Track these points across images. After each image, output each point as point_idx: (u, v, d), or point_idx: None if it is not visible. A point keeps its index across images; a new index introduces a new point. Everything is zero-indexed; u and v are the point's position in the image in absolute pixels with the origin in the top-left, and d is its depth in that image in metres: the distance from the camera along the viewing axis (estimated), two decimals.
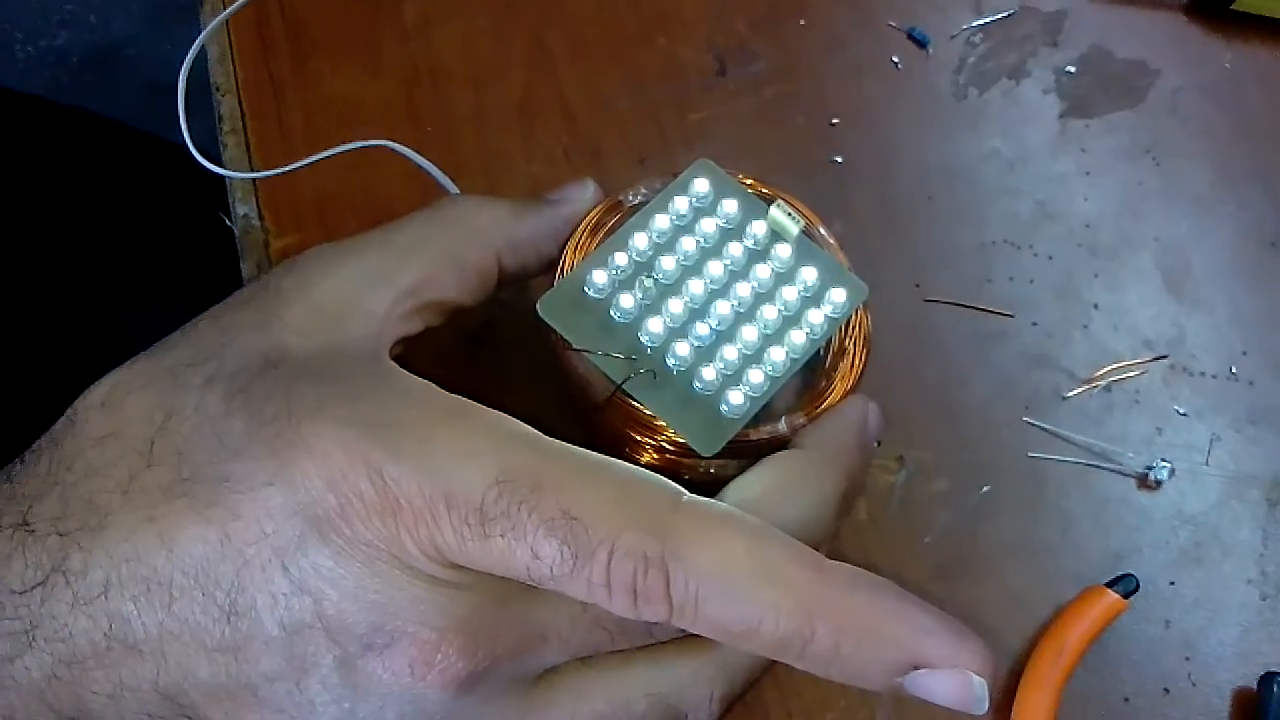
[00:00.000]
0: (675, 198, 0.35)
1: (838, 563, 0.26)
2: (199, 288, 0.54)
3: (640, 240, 0.34)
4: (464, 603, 0.26)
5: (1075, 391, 0.40)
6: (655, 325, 0.33)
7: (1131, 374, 0.40)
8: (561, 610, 0.27)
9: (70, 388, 0.29)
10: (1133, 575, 0.36)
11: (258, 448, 0.26)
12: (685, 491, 0.26)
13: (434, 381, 0.37)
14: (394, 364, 0.29)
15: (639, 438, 0.33)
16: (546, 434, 0.36)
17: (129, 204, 0.62)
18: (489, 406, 0.37)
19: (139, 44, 1.36)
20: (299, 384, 0.27)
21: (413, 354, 0.32)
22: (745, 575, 0.25)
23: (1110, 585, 0.36)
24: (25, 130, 0.64)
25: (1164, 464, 0.38)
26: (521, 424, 0.27)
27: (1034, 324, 0.41)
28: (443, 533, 0.25)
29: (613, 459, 0.27)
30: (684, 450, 0.33)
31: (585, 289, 0.33)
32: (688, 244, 0.34)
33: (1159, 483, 0.38)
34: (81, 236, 0.60)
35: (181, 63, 0.36)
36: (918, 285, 0.41)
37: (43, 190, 0.60)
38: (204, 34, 0.40)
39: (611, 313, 0.33)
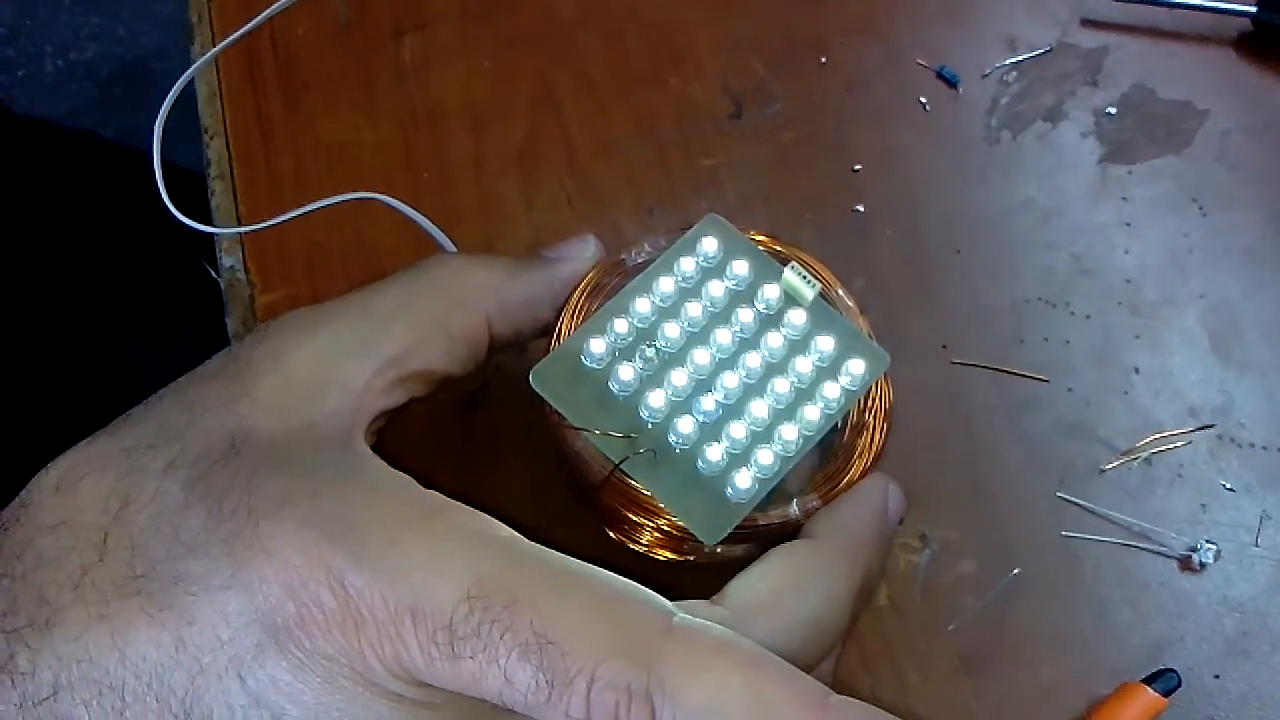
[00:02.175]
0: (681, 258, 0.32)
1: (844, 698, 0.23)
2: (193, 326, 0.53)
3: (642, 305, 0.32)
4: None
5: (1114, 464, 0.37)
6: (657, 399, 0.31)
7: (1175, 445, 0.37)
8: None
9: (55, 424, 0.28)
10: (1174, 671, 0.33)
11: (215, 546, 0.25)
12: (676, 610, 0.24)
13: (423, 449, 0.35)
14: (366, 451, 0.27)
15: (638, 519, 0.31)
16: (544, 509, 0.34)
17: (127, 235, 0.60)
18: (484, 476, 0.36)
19: (168, 57, 1.35)
20: (261, 475, 0.25)
21: (402, 421, 0.30)
22: (740, 714, 0.22)
23: (1149, 681, 0.33)
24: (28, 156, 0.63)
25: (1209, 545, 0.36)
26: (500, 526, 0.25)
27: (1070, 390, 0.38)
28: (409, 650, 0.23)
29: (598, 570, 0.24)
30: (687, 534, 0.30)
31: (582, 359, 0.31)
32: (694, 309, 0.32)
33: (1204, 565, 0.36)
34: (77, 266, 0.58)
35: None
36: (944, 346, 0.38)
37: (41, 218, 0.59)
38: (190, 72, 0.38)
39: (610, 385, 0.31)
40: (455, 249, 0.35)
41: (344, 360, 0.28)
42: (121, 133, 0.68)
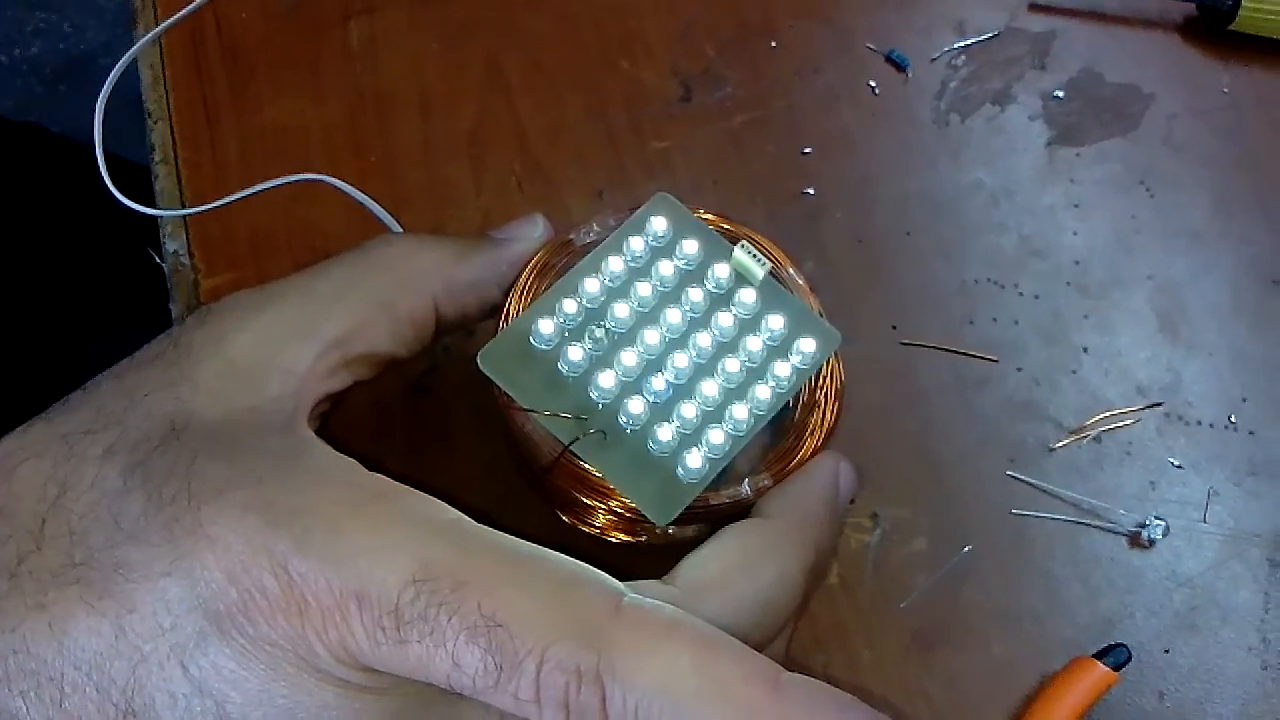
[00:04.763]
0: (630, 237, 0.32)
1: (797, 677, 0.23)
2: (138, 315, 0.52)
3: (591, 285, 0.31)
4: (379, 710, 0.24)
5: (1063, 443, 0.37)
6: (607, 380, 0.30)
7: (1123, 423, 0.38)
8: (492, 715, 0.24)
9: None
10: (1124, 646, 0.34)
11: (155, 533, 0.24)
12: (626, 591, 0.24)
13: (370, 434, 0.35)
14: (310, 435, 0.26)
15: (589, 501, 0.31)
16: (495, 493, 0.34)
17: (73, 226, 0.59)
18: (433, 460, 0.36)
19: (113, 53, 1.33)
20: (202, 459, 0.25)
21: (350, 405, 0.30)
22: (691, 694, 0.22)
23: (1100, 656, 0.34)
24: None
25: (1158, 521, 0.36)
26: (447, 509, 0.25)
27: (1019, 369, 0.38)
28: (354, 635, 0.23)
29: (546, 551, 0.24)
30: (638, 515, 0.30)
31: (530, 340, 0.31)
32: (643, 289, 0.32)
33: (1152, 542, 0.36)
34: (20, 257, 0.57)
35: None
36: (895, 327, 0.38)
37: None
38: (131, 52, 0.37)
39: (559, 366, 0.31)
40: (399, 230, 0.35)
41: (287, 343, 0.28)
42: (67, 130, 0.67)
